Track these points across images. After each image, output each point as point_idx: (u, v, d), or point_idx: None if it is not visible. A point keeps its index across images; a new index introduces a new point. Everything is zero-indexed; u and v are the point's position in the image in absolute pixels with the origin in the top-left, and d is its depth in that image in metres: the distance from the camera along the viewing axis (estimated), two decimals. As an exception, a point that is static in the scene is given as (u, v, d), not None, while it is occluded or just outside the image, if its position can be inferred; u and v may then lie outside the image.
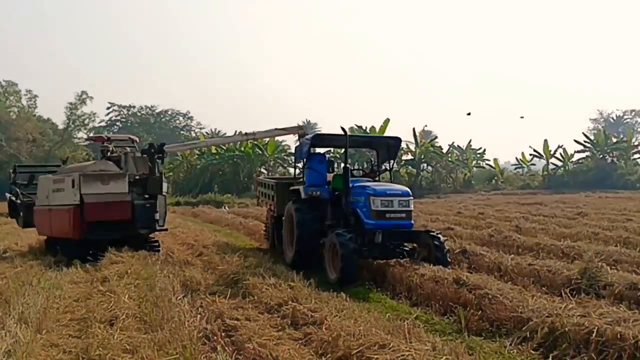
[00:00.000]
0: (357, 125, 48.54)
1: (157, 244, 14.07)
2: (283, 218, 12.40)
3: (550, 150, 51.37)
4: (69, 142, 63.18)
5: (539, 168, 57.47)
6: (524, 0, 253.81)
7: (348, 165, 10.40)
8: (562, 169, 51.71)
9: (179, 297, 8.37)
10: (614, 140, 51.67)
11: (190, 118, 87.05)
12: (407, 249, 10.01)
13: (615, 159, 50.59)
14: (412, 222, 10.11)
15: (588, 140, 52.32)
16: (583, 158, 51.82)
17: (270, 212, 14.60)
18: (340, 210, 11.02)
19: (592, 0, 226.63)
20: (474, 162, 54.22)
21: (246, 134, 15.44)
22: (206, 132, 77.01)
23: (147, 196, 13.38)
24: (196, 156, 50.16)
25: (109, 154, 14.24)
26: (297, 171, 14.12)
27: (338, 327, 6.10)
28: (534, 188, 48.42)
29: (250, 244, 16.33)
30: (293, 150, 54.34)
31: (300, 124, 14.96)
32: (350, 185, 10.36)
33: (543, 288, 8.35)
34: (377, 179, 11.91)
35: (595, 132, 55.08)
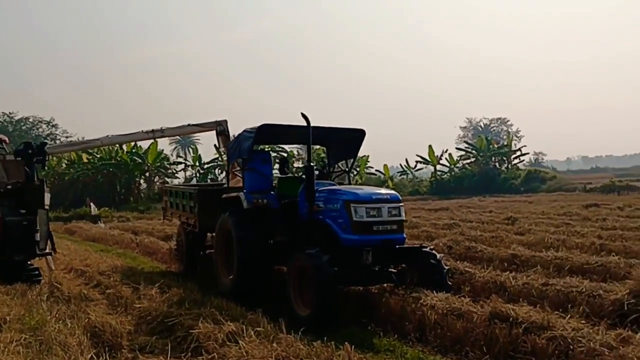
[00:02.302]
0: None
1: (36, 272, 10.83)
2: (213, 235, 9.76)
3: (437, 156, 51.72)
4: None
5: (422, 173, 57.95)
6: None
7: (312, 164, 7.99)
8: (447, 174, 52.24)
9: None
10: (496, 146, 53.08)
11: (55, 126, 79.30)
12: (394, 270, 7.78)
13: (497, 164, 51.98)
14: (405, 235, 7.91)
15: (470, 146, 53.40)
16: (467, 163, 52.75)
17: (186, 227, 11.81)
18: (293, 222, 8.63)
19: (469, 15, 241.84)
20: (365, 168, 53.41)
21: (152, 131, 12.56)
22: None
23: (23, 211, 10.22)
24: (64, 166, 44.90)
25: (-33, 157, 10.83)
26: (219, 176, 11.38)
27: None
28: (423, 194, 48.33)
29: (155, 266, 13.32)
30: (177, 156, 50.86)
31: (219, 119, 12.30)
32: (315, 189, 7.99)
33: (588, 317, 6.45)
34: (335, 181, 9.64)
35: (478, 138, 56.38)
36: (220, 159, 47.52)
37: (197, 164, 46.57)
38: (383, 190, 8.22)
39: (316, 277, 6.95)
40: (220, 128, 12.36)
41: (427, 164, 52.72)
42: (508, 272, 8.66)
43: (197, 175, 46.25)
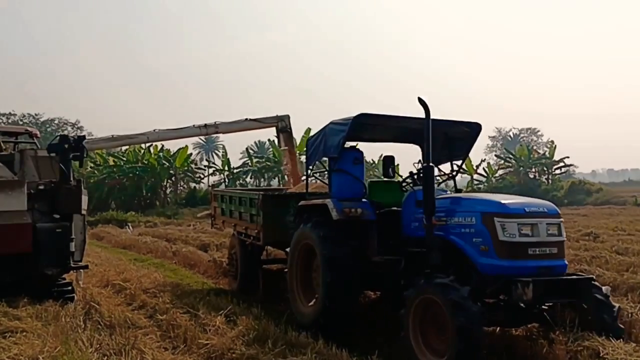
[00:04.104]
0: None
1: (69, 287, 9.20)
2: (288, 250, 7.99)
3: (474, 165, 49.58)
4: None
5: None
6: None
7: (431, 164, 6.17)
8: (485, 184, 50.07)
9: None
10: (537, 155, 50.86)
11: (80, 128, 78.97)
12: (546, 307, 5.92)
13: (536, 175, 49.75)
14: (566, 262, 6.05)
15: (510, 155, 51.26)
16: (505, 173, 50.65)
17: (243, 238, 10.07)
18: (395, 238, 6.85)
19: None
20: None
21: (205, 125, 10.85)
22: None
23: (56, 216, 8.64)
24: (89, 168, 43.56)
25: (-6, 151, 9.26)
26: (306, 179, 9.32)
27: None
28: (459, 204, 46.24)
29: (202, 282, 11.56)
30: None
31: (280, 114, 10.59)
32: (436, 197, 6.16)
33: None
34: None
35: (518, 147, 54.11)
36: (250, 163, 46.01)
37: (227, 168, 44.98)
38: (536, 200, 6.36)
39: (456, 317, 5.10)
40: (282, 124, 10.66)
41: (464, 173, 50.55)
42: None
43: (226, 180, 44.77)
